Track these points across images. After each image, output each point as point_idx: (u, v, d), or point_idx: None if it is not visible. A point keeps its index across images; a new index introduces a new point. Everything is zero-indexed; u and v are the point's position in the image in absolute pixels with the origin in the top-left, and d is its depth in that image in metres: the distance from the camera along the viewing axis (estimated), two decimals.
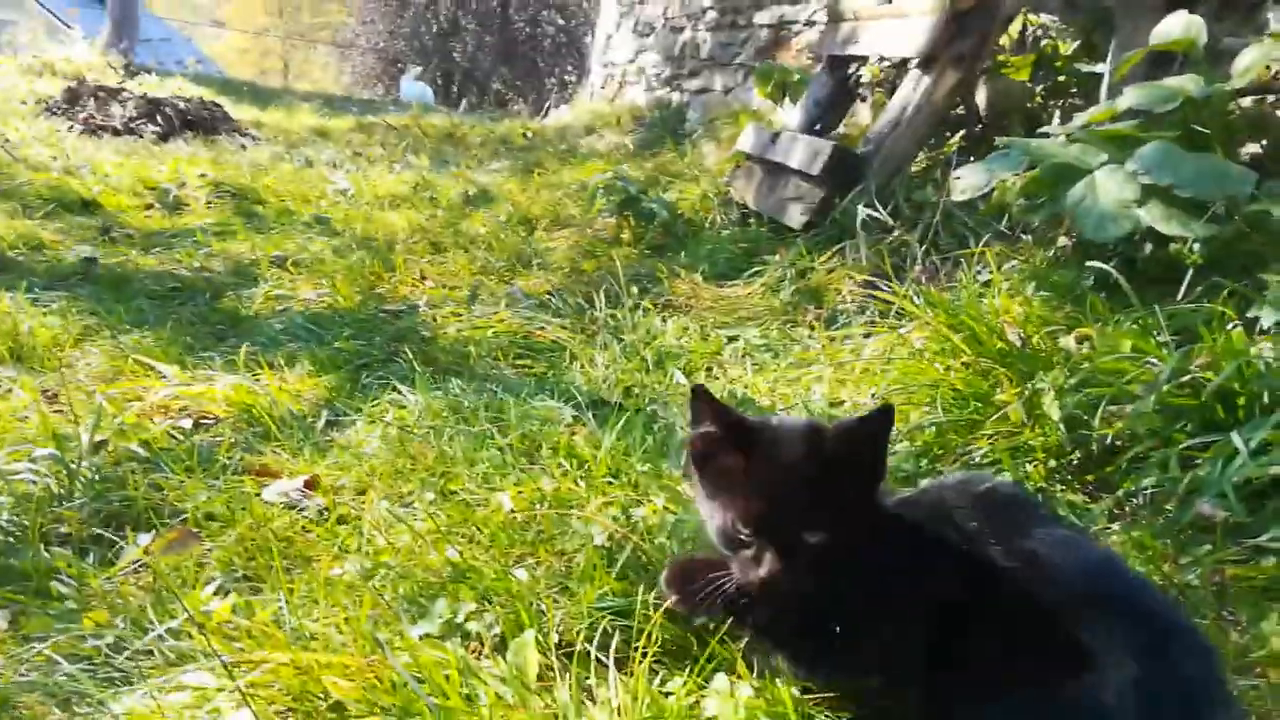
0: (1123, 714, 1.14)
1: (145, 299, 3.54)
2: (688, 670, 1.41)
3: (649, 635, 1.39)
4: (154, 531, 1.88)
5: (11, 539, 1.88)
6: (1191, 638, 1.21)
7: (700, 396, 1.32)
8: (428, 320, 3.29)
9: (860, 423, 1.30)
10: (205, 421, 2.47)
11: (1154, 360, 2.20)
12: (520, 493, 1.91)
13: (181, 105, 7.68)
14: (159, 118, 7.30)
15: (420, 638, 1.46)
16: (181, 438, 2.33)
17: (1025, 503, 1.42)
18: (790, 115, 5.10)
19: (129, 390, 2.59)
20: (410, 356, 2.81)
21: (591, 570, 1.62)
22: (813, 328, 3.16)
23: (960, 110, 4.61)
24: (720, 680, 1.41)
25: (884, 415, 1.30)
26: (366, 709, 1.29)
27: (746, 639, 1.46)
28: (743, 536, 1.27)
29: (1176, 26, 3.10)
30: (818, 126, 4.63)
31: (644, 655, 1.37)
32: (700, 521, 1.41)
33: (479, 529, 1.81)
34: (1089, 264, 2.76)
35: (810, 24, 6.39)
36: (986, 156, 3.25)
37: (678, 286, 3.59)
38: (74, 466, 2.08)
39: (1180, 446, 2.00)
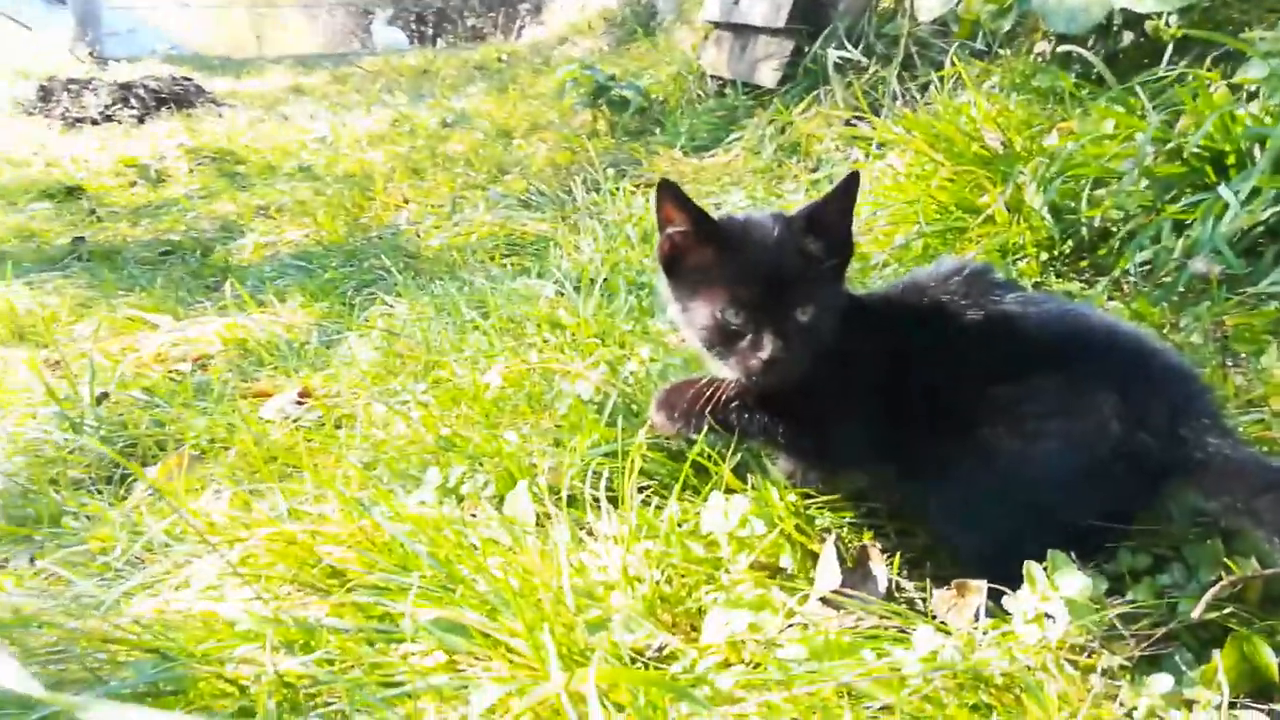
0: (1108, 439, 1.12)
1: (137, 266, 3.55)
2: (680, 493, 1.41)
3: (635, 465, 1.38)
4: (159, 464, 1.91)
5: (29, 492, 1.91)
6: (1170, 361, 1.19)
7: (666, 192, 1.28)
8: (411, 237, 3.26)
9: (826, 198, 1.29)
10: (202, 362, 2.48)
11: (1139, 135, 2.12)
12: (508, 368, 1.90)
13: (154, 85, 7.61)
14: (133, 101, 7.25)
15: (416, 505, 1.47)
16: (180, 378, 2.35)
17: (995, 276, 1.38)
18: None
19: (127, 346, 2.61)
20: (395, 271, 2.80)
21: (580, 422, 1.62)
22: (798, 179, 3.09)
23: None
24: (716, 498, 1.40)
25: (848, 184, 1.28)
26: (364, 571, 1.30)
27: (739, 457, 1.46)
28: (735, 325, 1.25)
29: None
30: None
31: (635, 487, 1.37)
32: (681, 333, 1.40)
33: (469, 407, 1.81)
34: (1068, 50, 2.66)
35: None
36: None
37: (658, 164, 3.53)
38: (78, 420, 2.10)
39: (1170, 213, 1.94)
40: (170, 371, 2.42)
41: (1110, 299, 1.95)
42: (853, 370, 1.29)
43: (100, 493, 1.88)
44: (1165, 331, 1.73)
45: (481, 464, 1.58)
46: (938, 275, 1.35)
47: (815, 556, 1.32)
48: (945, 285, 1.32)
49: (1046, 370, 1.17)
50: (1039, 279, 2.07)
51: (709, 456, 1.42)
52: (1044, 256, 2.10)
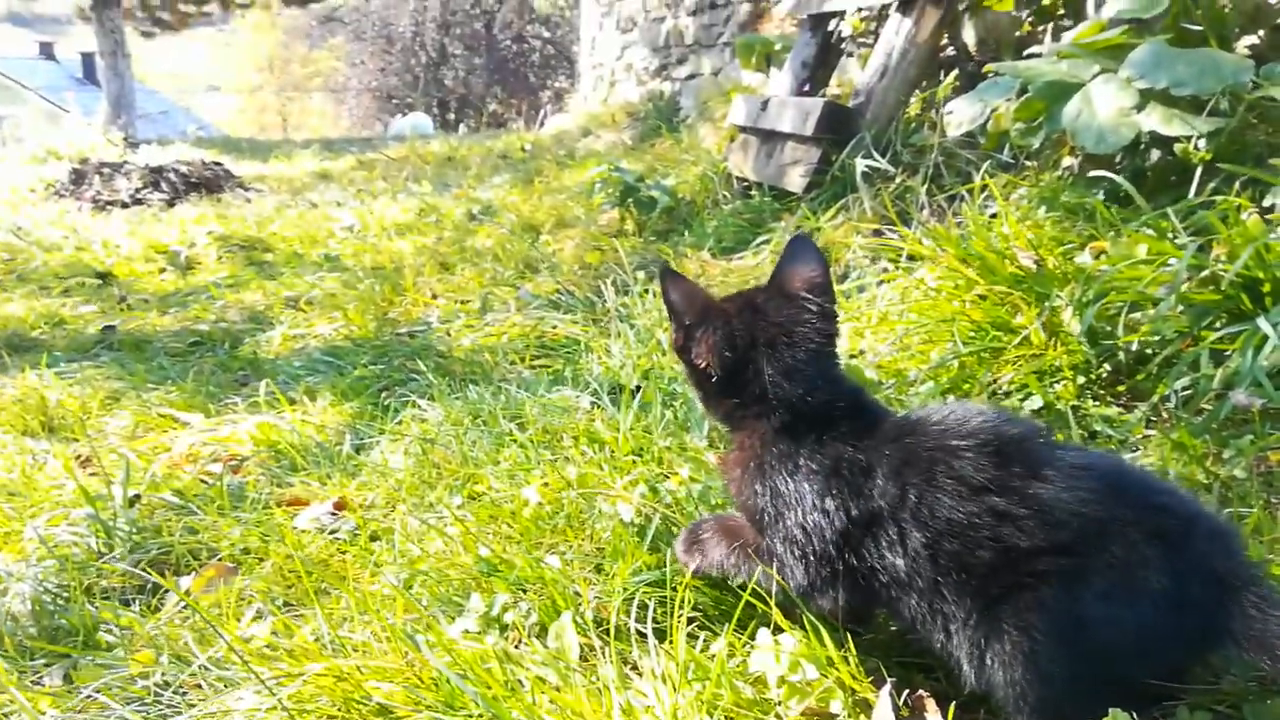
0: (1156, 623, 1.10)
1: (166, 357, 3.58)
2: (731, 631, 1.39)
3: (683, 601, 1.37)
4: (194, 574, 1.90)
5: (59, 600, 1.90)
6: (1212, 525, 1.17)
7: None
8: (442, 335, 3.29)
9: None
10: (234, 463, 2.49)
11: (1173, 261, 2.14)
12: (546, 484, 1.90)
13: (184, 169, 7.79)
14: (163, 185, 7.42)
15: (460, 635, 1.46)
16: (212, 481, 2.35)
17: (1030, 438, 1.25)
18: (779, 83, 5.05)
19: (157, 444, 2.62)
20: (427, 372, 2.82)
21: (622, 547, 1.60)
22: None
23: (951, 51, 4.55)
24: (764, 635, 1.38)
25: None
26: (411, 709, 1.28)
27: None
28: None
29: None
30: (806, 88, 4.59)
31: (683, 621, 1.36)
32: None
33: (508, 525, 1.80)
34: (1096, 174, 2.70)
35: None
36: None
37: (685, 266, 3.57)
38: (110, 523, 2.10)
39: (1209, 341, 1.94)
40: (202, 473, 2.42)
41: (1149, 426, 1.95)
42: (805, 486, 1.28)
43: (133, 602, 1.87)
44: (1208, 464, 1.73)
45: (525, 590, 1.56)
46: (964, 431, 1.24)
47: (867, 702, 1.29)
48: (977, 453, 1.21)
49: (1087, 548, 1.14)
50: (1075, 402, 2.06)
51: (755, 593, 1.41)
52: (1080, 380, 2.10)
